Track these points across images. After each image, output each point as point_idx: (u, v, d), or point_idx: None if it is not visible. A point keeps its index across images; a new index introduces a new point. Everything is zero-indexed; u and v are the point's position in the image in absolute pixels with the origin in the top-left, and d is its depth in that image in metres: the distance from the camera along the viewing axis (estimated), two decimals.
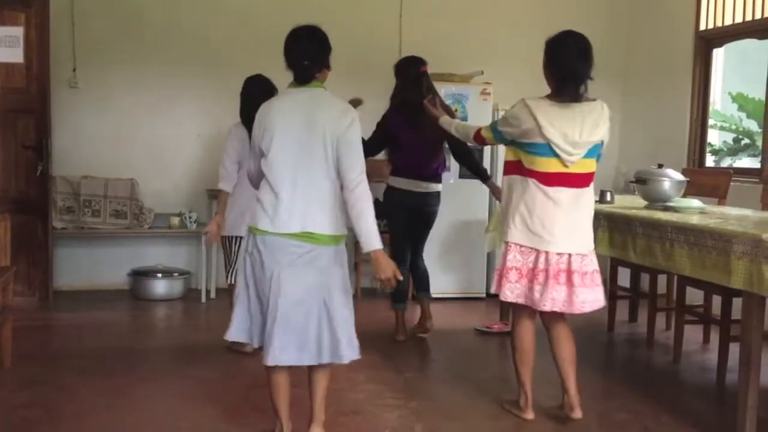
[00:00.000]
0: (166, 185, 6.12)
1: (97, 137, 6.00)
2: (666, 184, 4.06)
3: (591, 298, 3.27)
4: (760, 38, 5.57)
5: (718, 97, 6.50)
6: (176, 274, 5.93)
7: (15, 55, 5.34)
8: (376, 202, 6.12)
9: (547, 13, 6.37)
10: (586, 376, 4.09)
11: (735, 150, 7.12)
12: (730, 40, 5.94)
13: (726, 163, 6.95)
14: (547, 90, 3.29)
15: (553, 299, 3.22)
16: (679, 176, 4.15)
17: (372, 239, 2.83)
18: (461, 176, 5.93)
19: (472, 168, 4.84)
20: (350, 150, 2.83)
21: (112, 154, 6.01)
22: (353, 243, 6.03)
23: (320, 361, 2.87)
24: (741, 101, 6.95)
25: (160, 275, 5.86)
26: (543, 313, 3.39)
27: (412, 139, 4.50)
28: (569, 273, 3.23)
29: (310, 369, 2.99)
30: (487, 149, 5.97)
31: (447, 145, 4.72)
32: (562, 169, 3.21)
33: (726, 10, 5.81)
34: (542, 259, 3.23)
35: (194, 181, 6.11)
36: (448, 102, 5.63)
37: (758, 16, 5.48)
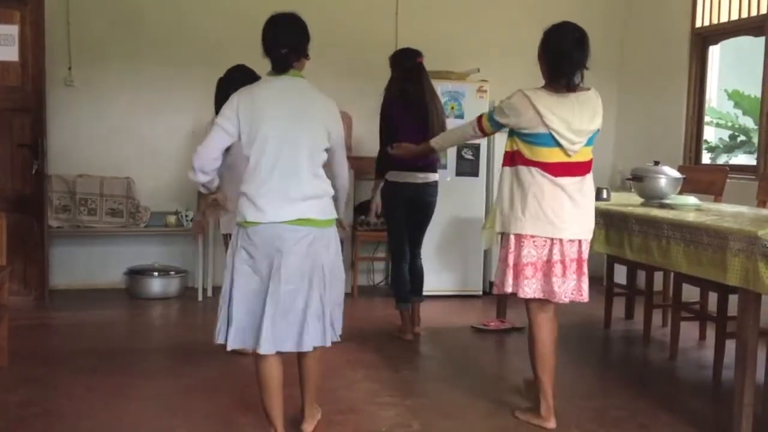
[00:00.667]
0: (162, 184, 6.11)
1: (92, 136, 5.99)
2: (662, 182, 4.06)
3: (586, 286, 3.32)
4: (755, 35, 5.57)
5: (714, 95, 6.52)
6: (173, 272, 5.93)
7: (10, 53, 5.32)
8: (370, 201, 6.13)
9: (543, 10, 6.36)
10: (582, 373, 4.10)
11: (731, 147, 7.15)
12: (726, 37, 5.94)
13: (722, 160, 6.97)
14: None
15: (568, 290, 3.25)
16: (676, 173, 4.15)
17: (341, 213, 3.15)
18: (458, 174, 5.94)
19: None
20: (340, 145, 2.99)
21: (107, 152, 6.00)
22: (351, 241, 6.04)
23: (325, 342, 2.90)
24: (737, 98, 6.97)
25: (156, 274, 5.85)
26: (530, 302, 3.35)
27: (411, 130, 4.49)
28: (579, 261, 3.27)
29: (300, 358, 2.97)
30: (483, 147, 5.98)
31: None
32: (565, 159, 3.21)
33: (722, 7, 5.82)
34: (556, 249, 3.23)
35: (190, 180, 6.08)
36: (444, 100, 5.65)
37: (754, 13, 5.48)
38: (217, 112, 3.97)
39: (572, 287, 3.27)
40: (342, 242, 5.67)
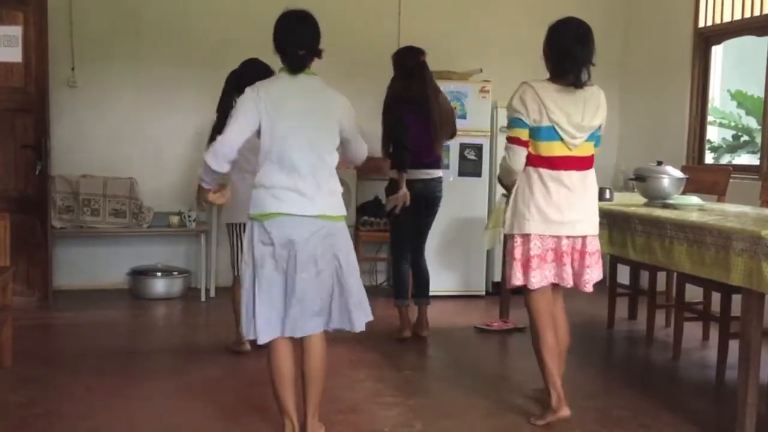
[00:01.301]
0: (165, 184, 6.11)
1: (95, 136, 6.00)
2: (665, 182, 4.05)
3: (595, 275, 3.36)
4: (759, 35, 5.56)
5: (717, 94, 6.51)
6: (176, 272, 5.94)
7: (13, 54, 5.33)
8: (378, 202, 6.13)
9: (545, 10, 6.31)
10: (585, 373, 4.09)
11: (734, 147, 7.13)
12: (729, 37, 5.93)
13: (725, 160, 6.95)
14: None
15: (571, 275, 3.31)
16: (679, 173, 4.14)
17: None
18: (460, 174, 5.94)
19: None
20: (358, 137, 3.08)
21: (111, 153, 6.01)
22: (354, 241, 6.03)
23: (346, 327, 2.94)
24: (740, 98, 6.96)
25: (159, 274, 5.86)
26: (530, 291, 3.38)
27: (416, 128, 4.50)
28: (583, 252, 3.31)
29: (305, 351, 2.96)
30: (485, 147, 5.97)
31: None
32: (567, 153, 3.23)
33: (725, 7, 5.81)
34: (564, 242, 3.27)
35: (193, 180, 6.00)
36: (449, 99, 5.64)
37: (757, 12, 5.47)
38: (226, 103, 4.01)
39: (574, 274, 3.33)
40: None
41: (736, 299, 3.43)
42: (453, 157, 5.88)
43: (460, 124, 5.73)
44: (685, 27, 6.15)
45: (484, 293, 6.10)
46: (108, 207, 5.83)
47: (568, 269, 3.31)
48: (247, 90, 2.92)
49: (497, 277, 5.84)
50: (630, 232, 3.78)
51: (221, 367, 4.09)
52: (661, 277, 4.99)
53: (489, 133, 6.02)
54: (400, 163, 4.50)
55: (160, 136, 6.12)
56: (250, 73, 3.84)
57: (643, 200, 4.17)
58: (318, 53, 2.95)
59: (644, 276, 5.13)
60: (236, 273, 4.06)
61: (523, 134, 3.24)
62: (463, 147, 5.92)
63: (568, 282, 3.33)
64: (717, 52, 6.11)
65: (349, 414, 3.46)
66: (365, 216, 6.06)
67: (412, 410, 3.54)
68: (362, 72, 6.04)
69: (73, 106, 5.93)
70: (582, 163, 3.28)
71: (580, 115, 3.20)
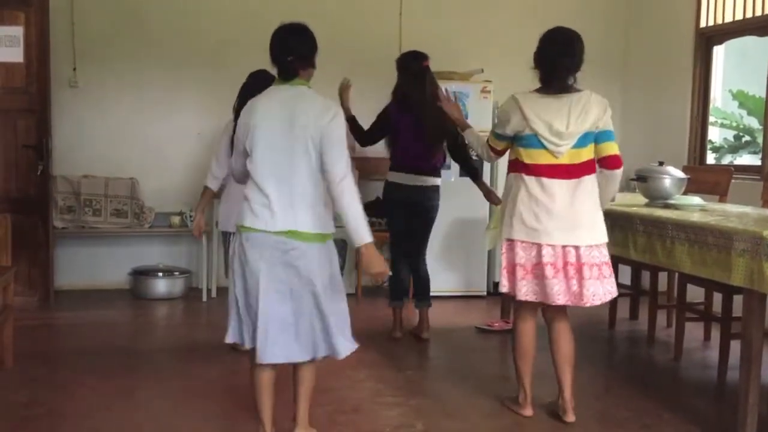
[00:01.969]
0: (166, 184, 6.12)
1: (97, 136, 6.01)
2: (666, 182, 4.05)
3: (601, 290, 3.26)
4: (760, 35, 5.56)
5: (718, 95, 6.50)
6: (177, 273, 5.94)
7: (15, 54, 5.34)
8: (379, 202, 6.14)
9: (546, 10, 6.36)
10: (587, 373, 4.09)
11: (735, 147, 7.13)
12: (730, 37, 5.93)
13: (726, 160, 6.95)
14: None
15: (564, 292, 3.22)
16: (680, 174, 4.14)
17: (360, 233, 2.79)
18: (462, 174, 5.93)
19: (466, 166, 4.83)
20: (333, 144, 2.78)
21: (112, 153, 6.02)
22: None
23: (315, 356, 2.88)
24: (741, 98, 6.95)
25: (160, 274, 5.86)
26: (545, 309, 3.41)
27: (413, 133, 4.50)
28: (579, 265, 3.23)
29: (295, 368, 2.97)
30: None
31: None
32: (553, 161, 3.24)
33: (726, 7, 5.80)
34: (545, 252, 3.22)
35: (195, 180, 6.09)
36: None
37: (758, 13, 5.47)
38: (235, 116, 4.05)
39: (573, 291, 3.24)
40: (345, 243, 5.74)
41: (738, 300, 3.44)
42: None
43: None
44: (686, 27, 6.15)
45: (485, 294, 6.10)
46: (109, 207, 5.84)
47: (553, 284, 3.21)
48: (242, 111, 2.96)
49: (498, 278, 5.84)
50: (631, 232, 3.78)
51: (222, 367, 4.09)
52: (663, 277, 4.99)
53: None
54: (353, 128, 4.59)
55: (162, 136, 6.12)
56: (257, 84, 3.82)
57: (645, 200, 4.17)
58: (309, 62, 2.91)
59: (645, 276, 5.13)
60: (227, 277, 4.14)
61: (499, 145, 3.45)
62: None
63: (556, 299, 3.21)
64: (718, 52, 6.11)
65: (350, 414, 3.46)
66: (366, 216, 6.04)
67: (414, 410, 3.54)
68: (363, 73, 6.01)
69: (74, 106, 5.94)
70: (571, 172, 3.24)
71: (564, 122, 3.19)
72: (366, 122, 4.73)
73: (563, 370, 3.39)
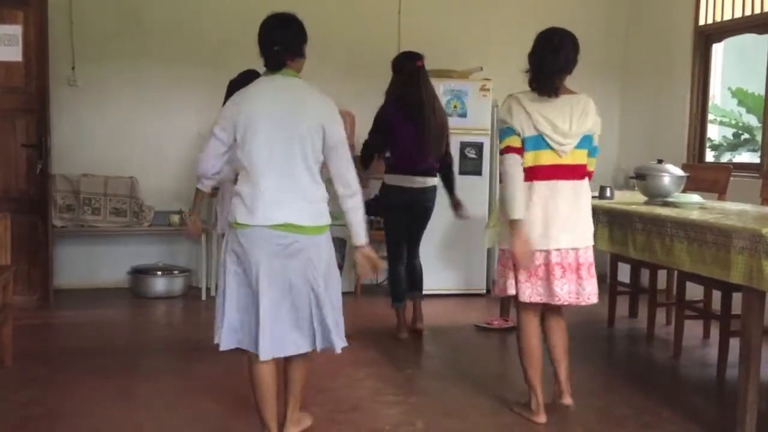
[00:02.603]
0: (165, 183, 6.11)
1: (96, 135, 6.00)
2: (665, 180, 4.05)
3: (594, 289, 3.32)
4: (759, 33, 5.56)
5: (717, 92, 6.50)
6: (176, 271, 5.94)
7: (14, 53, 5.33)
8: (376, 199, 6.13)
9: (546, 8, 6.36)
10: (586, 371, 4.10)
11: (735, 145, 7.12)
12: (729, 35, 5.93)
13: (726, 158, 6.95)
14: None
15: (568, 292, 3.26)
16: (679, 171, 4.14)
17: (358, 238, 2.93)
18: (461, 172, 5.93)
19: (446, 180, 4.84)
20: (338, 144, 2.85)
21: (111, 152, 6.01)
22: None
23: (317, 347, 2.88)
24: (740, 96, 6.95)
25: (160, 273, 5.86)
26: (543, 310, 3.42)
27: (409, 134, 4.50)
28: (578, 266, 3.27)
29: (287, 365, 2.96)
30: (486, 146, 5.97)
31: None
32: (557, 161, 3.23)
33: (725, 4, 5.81)
34: (554, 254, 3.24)
35: (194, 179, 6.00)
36: (447, 98, 5.65)
37: (757, 10, 5.47)
38: None
39: (573, 290, 3.27)
40: (345, 242, 5.74)
41: (737, 297, 3.44)
42: (454, 156, 5.86)
43: (460, 122, 5.75)
44: (685, 25, 6.15)
45: (484, 292, 6.10)
46: (109, 206, 5.83)
47: (561, 284, 3.24)
48: (228, 102, 2.91)
49: (495, 279, 5.84)
50: (630, 230, 3.78)
51: (222, 366, 4.08)
52: (662, 275, 4.99)
53: (489, 132, 6.01)
54: (363, 160, 4.63)
55: (161, 135, 6.12)
56: (240, 83, 3.80)
57: (644, 198, 4.17)
58: (297, 52, 2.88)
59: (645, 274, 5.14)
60: None
61: (515, 141, 3.24)
62: (464, 145, 5.92)
63: (562, 299, 3.25)
64: (717, 50, 6.11)
65: (350, 413, 3.47)
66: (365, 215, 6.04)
67: (414, 409, 3.54)
68: (362, 72, 6.04)
69: (73, 105, 5.93)
70: (573, 172, 3.26)
71: (567, 122, 3.20)
72: (364, 121, 4.73)
73: (559, 361, 3.44)
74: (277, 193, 2.76)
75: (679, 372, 4.33)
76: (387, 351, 4.46)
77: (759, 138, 5.99)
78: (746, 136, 7.10)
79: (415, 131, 4.50)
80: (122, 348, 4.50)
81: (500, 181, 3.42)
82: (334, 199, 2.93)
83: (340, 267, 4.93)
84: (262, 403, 2.91)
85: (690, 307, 4.55)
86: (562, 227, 3.23)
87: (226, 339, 2.88)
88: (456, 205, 4.86)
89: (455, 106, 5.81)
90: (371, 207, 6.07)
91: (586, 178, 3.33)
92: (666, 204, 3.90)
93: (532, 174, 3.24)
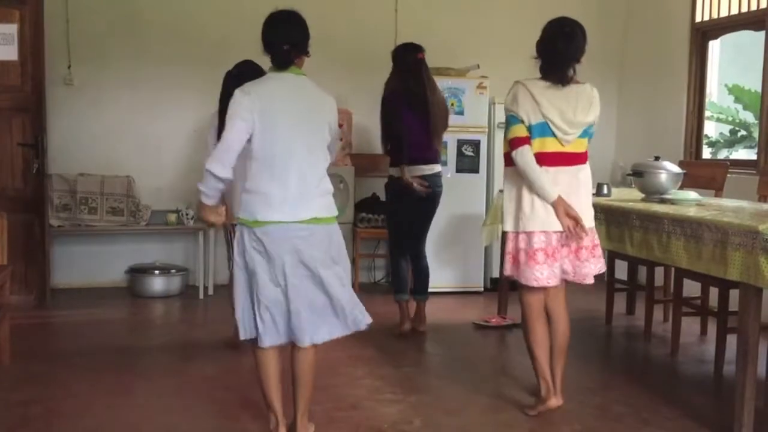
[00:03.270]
0: (162, 182, 6.11)
1: (92, 134, 5.99)
2: (663, 177, 4.06)
3: (595, 269, 3.37)
4: (755, 30, 5.56)
5: (714, 89, 6.51)
6: (174, 270, 5.93)
7: (9, 52, 5.31)
8: (376, 199, 6.13)
9: (543, 6, 6.33)
10: (584, 368, 4.10)
11: (731, 142, 7.13)
12: (726, 31, 5.93)
13: (722, 154, 6.95)
14: None
15: (573, 272, 3.34)
16: (676, 168, 4.15)
17: None
18: (458, 170, 5.94)
19: None
20: (334, 135, 3.01)
21: (108, 151, 6.00)
22: (352, 237, 6.04)
23: (350, 330, 2.94)
24: (737, 93, 6.96)
25: (157, 272, 5.85)
26: (545, 297, 3.43)
27: (414, 123, 4.51)
28: (578, 248, 3.33)
29: (294, 360, 2.95)
30: (483, 144, 5.97)
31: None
32: (560, 149, 3.25)
33: (722, 1, 5.81)
34: (554, 238, 3.27)
35: (191, 178, 6.06)
36: (444, 96, 5.64)
37: (754, 7, 5.47)
38: (222, 105, 3.97)
39: (570, 271, 3.35)
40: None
41: (734, 294, 3.45)
42: (451, 154, 5.87)
43: (457, 120, 5.75)
44: (682, 22, 6.15)
45: (482, 289, 6.10)
46: (105, 205, 5.82)
47: (566, 262, 3.33)
48: (237, 92, 2.85)
49: (495, 273, 5.84)
50: (628, 227, 3.78)
51: (220, 365, 4.09)
52: (659, 272, 4.99)
53: (486, 129, 6.01)
54: (394, 158, 4.60)
55: (158, 134, 6.11)
56: (248, 73, 3.77)
57: (641, 195, 4.18)
58: (304, 50, 2.93)
59: (642, 271, 5.14)
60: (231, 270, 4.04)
61: (522, 131, 3.24)
62: (461, 143, 5.92)
63: (569, 275, 3.35)
64: (714, 46, 6.11)
65: (349, 411, 3.47)
66: (363, 213, 6.05)
67: (412, 407, 3.55)
68: (359, 68, 6.04)
69: (69, 104, 5.92)
70: (574, 159, 3.30)
71: (573, 111, 3.23)
72: (364, 119, 4.73)
73: (557, 357, 3.43)
74: (299, 189, 2.81)
75: (677, 369, 4.34)
76: (385, 349, 4.46)
77: (756, 135, 6.00)
78: (743, 132, 7.10)
79: (419, 121, 4.51)
80: (120, 347, 4.49)
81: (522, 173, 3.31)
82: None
83: None
84: (268, 392, 2.95)
85: (687, 304, 4.55)
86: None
87: (269, 338, 2.86)
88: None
89: (452, 104, 5.80)
90: (367, 205, 6.11)
91: (587, 164, 3.37)
92: (663, 201, 3.91)
93: (538, 160, 3.25)
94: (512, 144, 3.26)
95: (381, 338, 4.66)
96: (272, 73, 2.94)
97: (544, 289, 3.37)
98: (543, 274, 3.29)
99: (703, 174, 4.85)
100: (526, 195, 3.27)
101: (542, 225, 3.26)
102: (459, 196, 5.85)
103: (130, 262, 5.96)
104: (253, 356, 2.97)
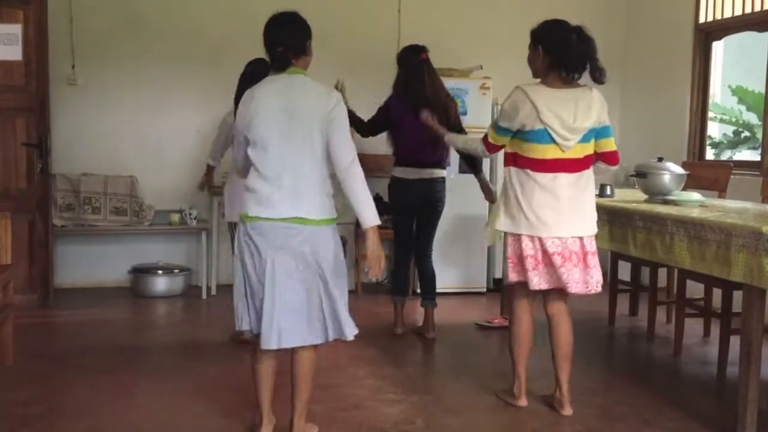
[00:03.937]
0: (165, 182, 6.11)
1: (96, 134, 6.00)
2: (666, 178, 4.05)
3: (599, 277, 3.36)
4: (759, 31, 5.56)
5: (717, 90, 6.50)
6: (177, 270, 5.93)
7: (14, 52, 5.32)
8: (378, 199, 6.15)
9: (546, 7, 6.32)
10: (586, 369, 4.09)
11: (735, 143, 7.12)
12: (729, 32, 5.93)
13: (726, 155, 6.94)
14: None
15: (575, 281, 3.29)
16: (679, 169, 4.14)
17: (365, 216, 2.88)
18: (461, 171, 5.92)
19: (468, 160, 4.76)
20: (338, 130, 2.84)
21: (111, 151, 6.01)
22: (354, 238, 6.04)
23: (327, 339, 2.90)
24: (741, 94, 6.95)
25: (160, 272, 5.86)
26: (547, 304, 3.43)
27: (415, 126, 4.49)
28: (584, 254, 3.30)
29: (294, 361, 2.96)
30: None
31: None
32: (560, 155, 3.24)
33: (725, 2, 5.80)
34: (549, 243, 3.26)
35: (194, 178, 6.08)
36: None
37: (757, 8, 5.47)
38: (236, 105, 4.01)
39: (580, 279, 3.31)
40: (345, 241, 5.74)
41: (737, 295, 3.44)
42: (454, 155, 5.85)
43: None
44: (685, 23, 6.15)
45: (485, 290, 6.10)
46: (109, 205, 5.83)
47: (565, 272, 3.27)
48: (240, 103, 2.94)
49: (498, 274, 5.84)
50: (631, 228, 3.78)
51: (222, 365, 4.09)
52: (662, 273, 4.99)
53: None
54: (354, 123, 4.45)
55: (161, 134, 6.12)
56: (258, 72, 3.75)
57: (644, 196, 4.17)
58: (302, 51, 2.92)
59: (645, 272, 5.14)
60: None
61: (500, 140, 3.38)
62: None
63: (571, 287, 3.29)
64: (717, 47, 6.10)
65: (351, 411, 3.47)
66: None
67: (414, 407, 3.55)
68: (362, 69, 6.03)
69: (73, 104, 5.93)
70: (575, 165, 3.29)
71: (572, 117, 3.21)
72: (366, 117, 4.74)
73: (561, 364, 3.43)
74: (284, 188, 2.80)
75: (680, 370, 4.33)
76: (388, 349, 4.47)
77: (759, 136, 5.99)
78: (746, 133, 7.09)
79: (417, 123, 4.48)
80: (122, 347, 4.50)
81: (467, 147, 3.72)
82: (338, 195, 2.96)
83: None
84: (259, 392, 2.99)
85: (690, 305, 4.55)
86: (560, 218, 3.25)
87: (240, 321, 2.94)
88: (485, 189, 4.76)
89: (456, 104, 5.79)
90: (377, 205, 6.10)
91: (590, 170, 3.36)
92: (666, 202, 3.90)
93: (534, 165, 3.26)
94: (487, 144, 3.43)
95: (383, 338, 4.66)
96: (270, 74, 2.95)
97: (533, 295, 3.39)
98: (534, 279, 3.30)
99: (706, 175, 4.84)
100: (521, 199, 3.28)
101: (529, 229, 3.26)
102: (462, 197, 5.84)
103: (133, 262, 5.97)
104: (250, 360, 2.99)
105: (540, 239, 3.27)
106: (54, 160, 5.67)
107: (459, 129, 4.66)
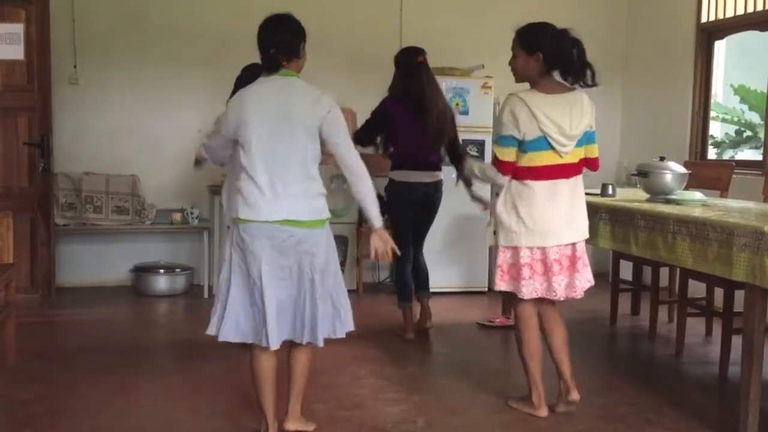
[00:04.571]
0: (167, 181, 6.12)
1: (98, 133, 6.01)
2: (668, 177, 4.05)
3: (586, 279, 3.36)
4: (761, 30, 5.55)
5: (719, 89, 6.49)
6: (178, 269, 5.94)
7: (15, 52, 5.33)
8: (380, 199, 6.13)
9: (548, 6, 6.35)
10: (588, 369, 4.09)
11: (737, 142, 7.11)
12: (731, 32, 5.92)
13: (728, 155, 6.93)
14: None
15: (564, 287, 3.30)
16: (681, 169, 4.14)
17: (372, 220, 2.97)
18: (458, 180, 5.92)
19: (459, 172, 4.72)
20: (339, 132, 2.87)
21: (113, 150, 6.02)
22: (355, 238, 6.04)
23: (300, 340, 2.90)
24: (743, 93, 6.94)
25: (162, 271, 5.87)
26: (539, 311, 3.43)
27: (414, 128, 4.49)
28: (574, 258, 3.31)
29: (291, 356, 2.99)
30: (488, 144, 5.96)
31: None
32: (558, 161, 3.23)
33: (727, 1, 5.80)
34: (551, 251, 3.26)
35: (196, 177, 6.09)
36: (449, 96, 5.64)
37: (759, 8, 5.46)
38: None
39: (568, 284, 3.32)
40: (347, 240, 5.74)
41: (739, 295, 3.44)
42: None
43: (462, 120, 5.74)
44: (687, 22, 6.14)
45: (486, 289, 6.10)
46: (111, 204, 5.84)
47: (559, 279, 3.28)
48: (231, 103, 2.97)
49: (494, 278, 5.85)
50: (632, 227, 3.78)
51: (224, 364, 4.09)
52: (664, 272, 4.98)
53: (491, 129, 6.00)
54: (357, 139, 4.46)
55: (163, 133, 6.12)
56: (244, 79, 3.79)
57: (646, 196, 4.17)
58: (294, 53, 2.91)
59: (647, 272, 5.13)
60: None
61: (511, 155, 3.24)
62: (465, 143, 5.87)
63: (560, 294, 3.30)
64: (719, 47, 6.10)
65: (352, 410, 3.47)
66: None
67: (416, 406, 3.55)
68: (364, 70, 6.04)
69: (75, 103, 5.94)
70: (571, 170, 3.29)
71: (568, 123, 3.20)
72: (366, 118, 4.73)
73: (560, 356, 3.43)
74: (275, 190, 2.80)
75: (681, 370, 4.33)
76: (389, 349, 4.47)
77: (761, 135, 5.98)
78: (748, 133, 7.08)
79: (416, 126, 4.48)
80: (124, 346, 4.50)
81: (482, 176, 3.52)
82: (330, 196, 2.98)
83: (342, 265, 4.94)
84: (262, 395, 2.96)
85: (692, 305, 4.54)
86: (561, 224, 3.25)
87: (227, 332, 2.93)
88: (474, 197, 4.71)
89: (457, 104, 5.80)
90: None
91: (581, 174, 3.35)
92: (668, 201, 3.90)
93: (534, 174, 3.24)
94: (500, 165, 3.27)
95: (384, 338, 4.66)
96: (262, 77, 2.94)
97: (537, 300, 3.37)
98: (526, 288, 3.29)
99: (708, 174, 4.84)
100: (521, 211, 3.25)
101: (532, 241, 3.25)
102: (463, 197, 5.80)
103: (135, 261, 5.98)
104: (250, 362, 2.98)
105: (542, 249, 3.25)
106: (56, 160, 5.68)
107: (454, 136, 4.65)
